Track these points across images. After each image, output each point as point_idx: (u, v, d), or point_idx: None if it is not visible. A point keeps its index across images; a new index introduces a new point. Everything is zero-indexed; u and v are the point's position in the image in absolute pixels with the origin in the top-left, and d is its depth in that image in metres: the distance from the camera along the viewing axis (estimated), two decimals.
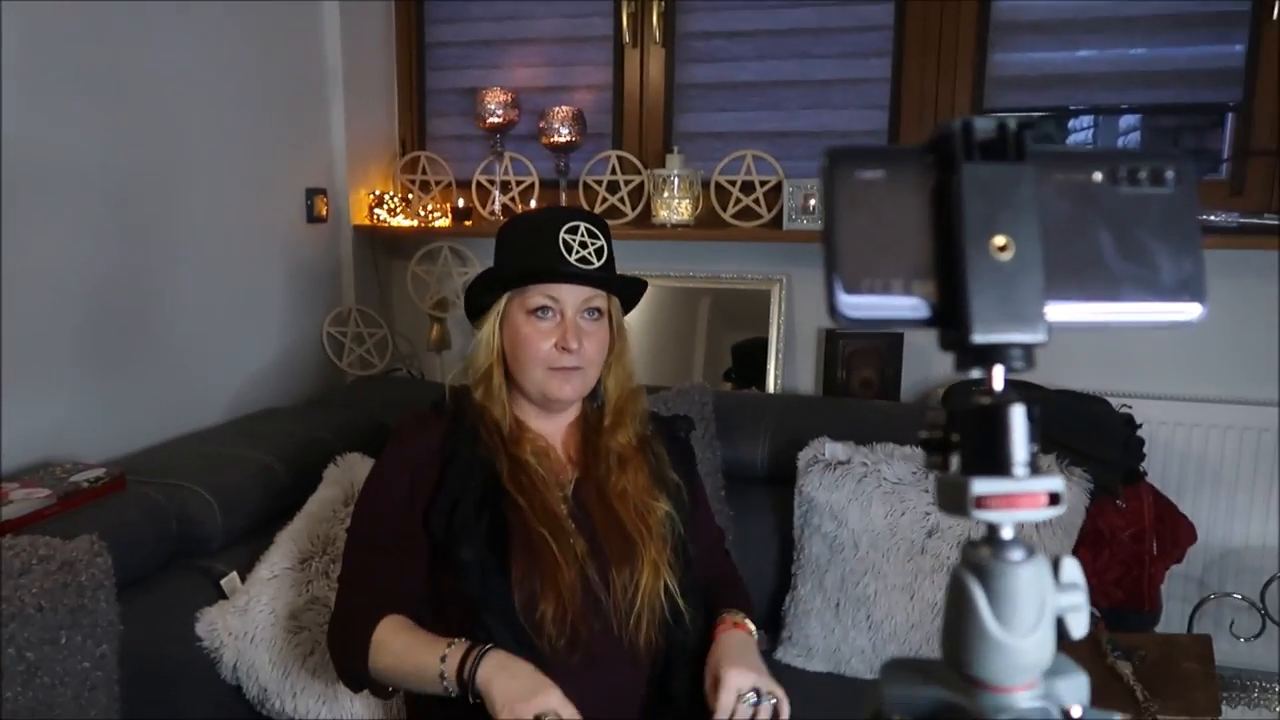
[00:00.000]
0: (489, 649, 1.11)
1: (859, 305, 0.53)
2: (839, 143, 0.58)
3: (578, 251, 1.24)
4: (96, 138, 1.75)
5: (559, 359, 1.26)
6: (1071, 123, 2.52)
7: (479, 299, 1.31)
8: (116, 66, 1.77)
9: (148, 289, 1.88)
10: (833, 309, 0.54)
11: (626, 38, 2.41)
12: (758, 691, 1.16)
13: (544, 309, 1.26)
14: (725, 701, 1.15)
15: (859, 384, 2.25)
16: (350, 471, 1.70)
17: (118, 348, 1.82)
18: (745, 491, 1.88)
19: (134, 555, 1.41)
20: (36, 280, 1.65)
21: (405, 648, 1.16)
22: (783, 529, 1.82)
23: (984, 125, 0.58)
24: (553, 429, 1.34)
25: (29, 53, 1.60)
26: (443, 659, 1.11)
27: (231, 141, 2.07)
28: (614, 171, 2.39)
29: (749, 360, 2.35)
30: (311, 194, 2.32)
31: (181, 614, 1.48)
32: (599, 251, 1.26)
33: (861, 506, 1.68)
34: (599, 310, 1.29)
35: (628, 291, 1.34)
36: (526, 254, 1.27)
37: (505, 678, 1.08)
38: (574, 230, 1.25)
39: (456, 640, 1.13)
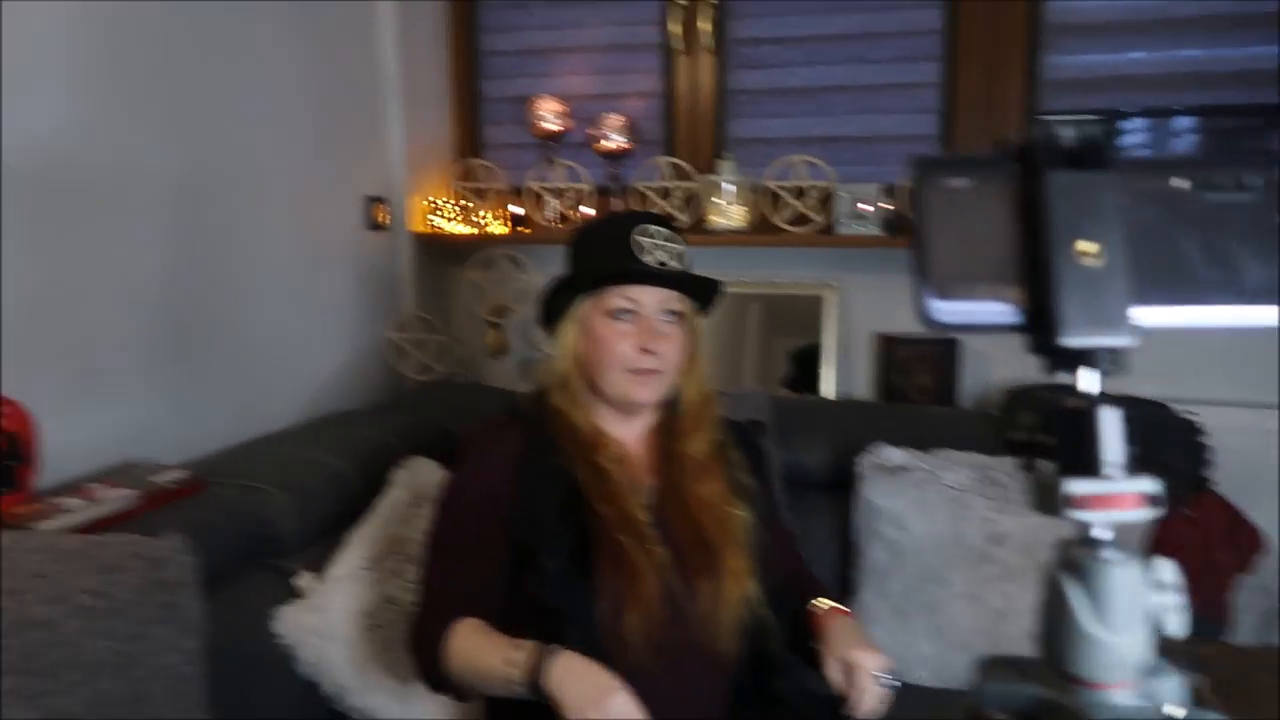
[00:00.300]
0: (559, 650, 1.12)
1: (950, 311, 0.54)
2: (927, 152, 0.60)
3: (655, 254, 1.26)
4: (167, 148, 1.81)
5: (639, 361, 1.27)
6: (1123, 125, 2.50)
7: (554, 305, 1.33)
8: (184, 79, 1.83)
9: (220, 296, 1.94)
10: (923, 314, 0.55)
11: (678, 45, 2.43)
12: (888, 674, 1.16)
13: (623, 311, 1.28)
14: (864, 684, 1.14)
15: (915, 389, 2.24)
16: (416, 475, 1.74)
17: (192, 353, 1.89)
18: (803, 497, 1.89)
19: (215, 554, 1.45)
20: (115, 286, 1.71)
21: (478, 649, 1.18)
22: (841, 535, 1.82)
23: (1068, 133, 0.60)
24: (630, 435, 1.36)
25: (102, 66, 1.67)
26: (513, 661, 1.12)
27: (294, 151, 2.13)
28: (665, 178, 2.42)
29: (804, 366, 2.36)
30: (371, 202, 2.38)
31: (259, 612, 1.53)
32: (676, 254, 1.28)
33: (923, 513, 1.68)
34: (677, 313, 1.31)
35: (704, 294, 1.35)
36: (604, 257, 1.28)
37: (573, 681, 1.08)
38: (651, 233, 1.27)
39: (527, 642, 1.14)
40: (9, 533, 1.21)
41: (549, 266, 2.46)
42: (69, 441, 1.59)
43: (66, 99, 1.61)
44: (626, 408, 1.33)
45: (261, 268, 2.04)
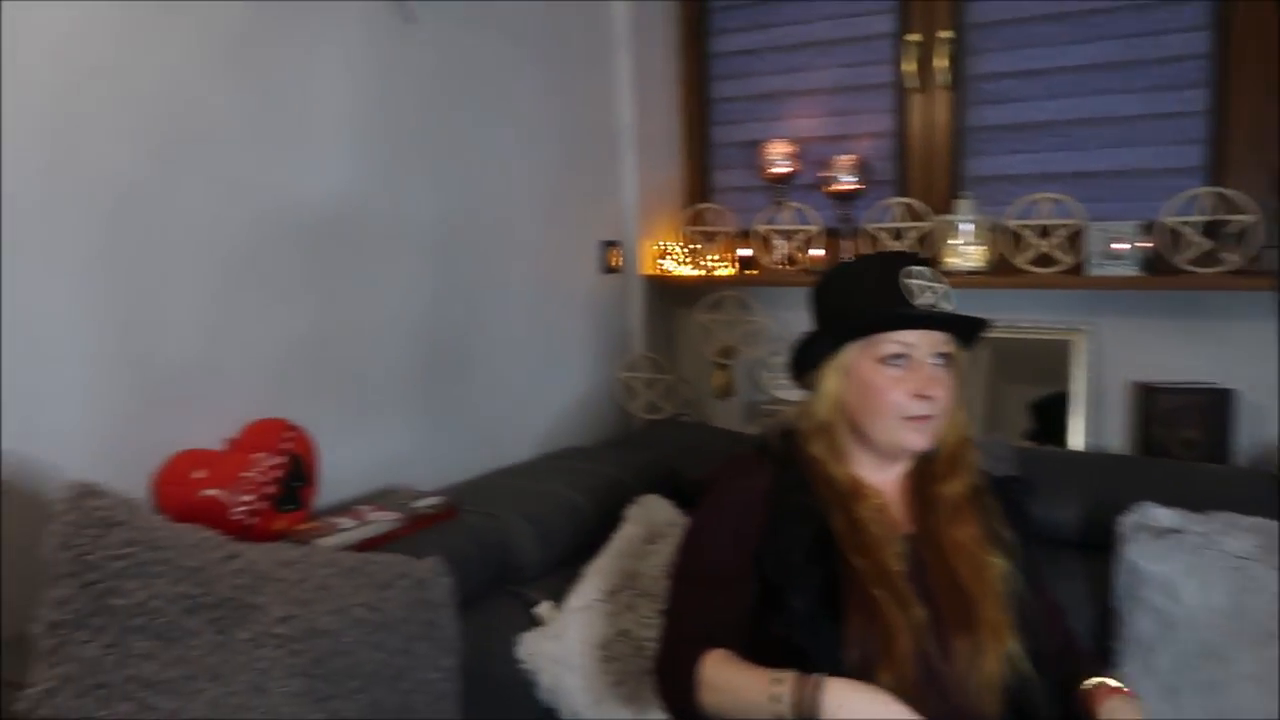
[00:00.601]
0: (826, 679, 1.08)
1: None
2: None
3: (925, 296, 1.22)
4: (428, 199, 1.96)
5: (914, 407, 1.23)
6: None
7: (810, 350, 1.30)
8: (444, 136, 1.98)
9: (468, 335, 2.08)
10: None
11: (912, 83, 2.38)
12: None
13: (896, 357, 1.23)
14: None
15: (1179, 444, 2.04)
16: (650, 511, 1.77)
17: (443, 388, 2.02)
18: (1053, 557, 1.75)
19: (465, 578, 1.52)
20: (382, 325, 1.87)
21: (734, 681, 1.15)
22: (1097, 601, 1.68)
23: None
24: (887, 480, 1.31)
25: (378, 128, 1.83)
26: (778, 695, 1.09)
27: (538, 199, 2.25)
28: (898, 218, 2.36)
29: (1046, 416, 2.21)
30: (605, 246, 2.47)
31: (503, 637, 1.59)
32: (944, 294, 1.24)
33: (1199, 581, 1.52)
34: (946, 354, 1.26)
35: (970, 332, 1.29)
36: (873, 301, 1.24)
37: (856, 709, 1.05)
38: (917, 274, 1.23)
39: (786, 674, 1.11)
40: (299, 548, 1.33)
41: (777, 309, 2.47)
42: (340, 465, 1.73)
43: (349, 157, 1.79)
44: (894, 455, 1.28)
45: (506, 309, 2.17)
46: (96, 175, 1.39)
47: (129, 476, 1.39)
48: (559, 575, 1.72)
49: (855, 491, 1.25)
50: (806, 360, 1.30)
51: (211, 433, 1.55)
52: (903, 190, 2.42)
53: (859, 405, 1.25)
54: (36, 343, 1.33)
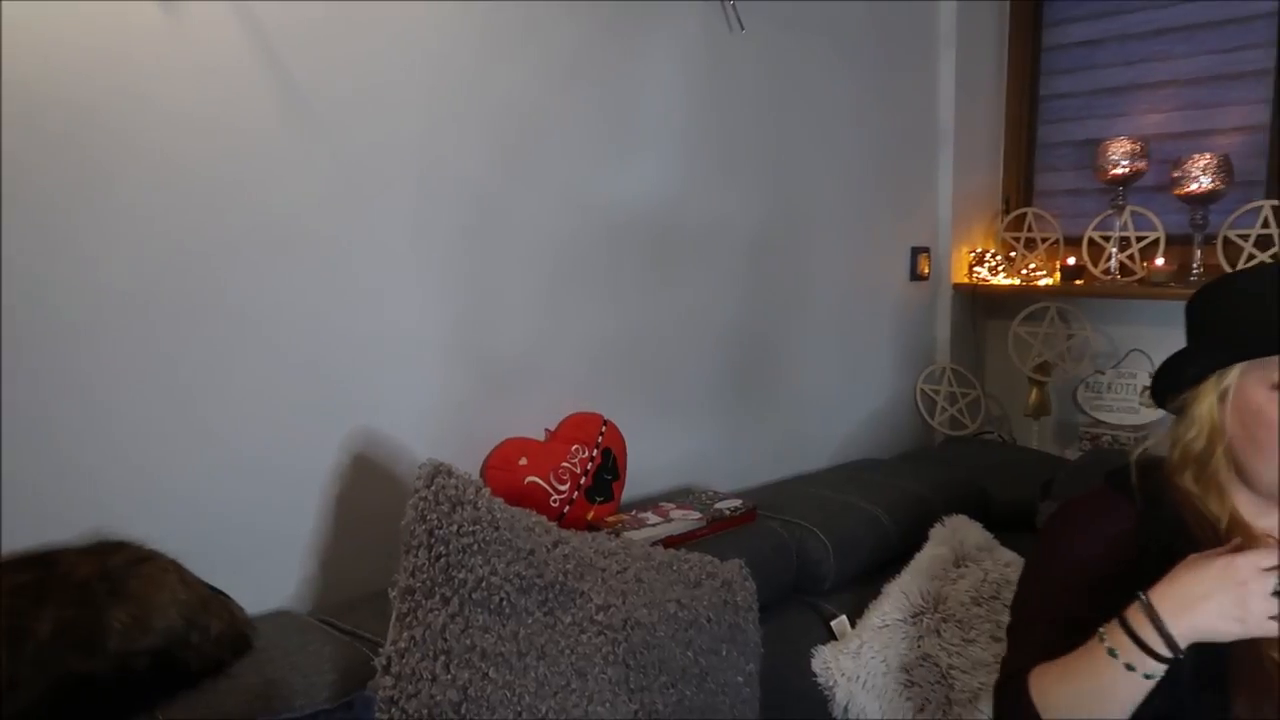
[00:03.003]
0: (1144, 597, 0.98)
1: None
2: None
3: None
4: (747, 207, 1.97)
5: None
6: None
7: (1185, 370, 1.14)
8: (759, 141, 1.99)
9: (770, 339, 2.07)
10: None
11: None
12: None
13: None
14: None
15: None
16: (958, 532, 1.68)
17: (744, 392, 2.03)
18: None
19: (763, 584, 1.52)
20: (692, 328, 1.91)
21: (1063, 668, 1.04)
22: None
23: None
24: (1270, 527, 1.12)
25: (695, 134, 1.87)
26: (1112, 650, 0.98)
27: (849, 203, 2.20)
28: (1267, 224, 2.06)
29: None
30: (916, 252, 2.37)
31: (798, 647, 1.57)
32: None
33: None
34: None
35: None
36: (1275, 316, 1.07)
37: (1194, 595, 0.96)
38: None
39: (1106, 627, 1.00)
40: (616, 539, 1.39)
41: (1104, 323, 2.26)
42: (643, 460, 1.79)
43: (669, 164, 1.83)
44: None
45: (810, 314, 2.14)
46: (454, 188, 1.53)
47: (465, 459, 1.51)
48: (856, 590, 1.68)
49: (1239, 534, 1.07)
50: (1178, 380, 1.13)
51: (535, 423, 1.66)
52: (1273, 192, 2.11)
53: (1243, 438, 1.06)
54: (401, 337, 1.49)
